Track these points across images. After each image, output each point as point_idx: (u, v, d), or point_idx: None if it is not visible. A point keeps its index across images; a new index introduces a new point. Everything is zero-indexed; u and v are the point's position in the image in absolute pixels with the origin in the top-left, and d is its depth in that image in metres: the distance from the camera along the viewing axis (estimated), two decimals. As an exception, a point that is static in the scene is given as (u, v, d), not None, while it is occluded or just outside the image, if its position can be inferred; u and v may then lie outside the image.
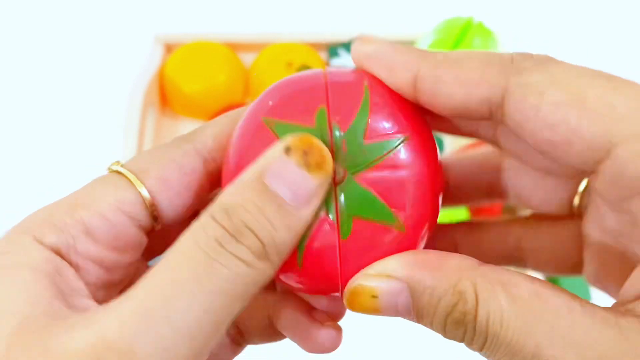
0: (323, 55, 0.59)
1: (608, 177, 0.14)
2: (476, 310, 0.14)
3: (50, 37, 0.64)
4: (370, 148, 0.16)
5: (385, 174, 0.16)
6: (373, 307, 0.16)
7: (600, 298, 0.47)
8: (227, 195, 0.15)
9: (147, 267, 0.19)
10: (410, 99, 0.17)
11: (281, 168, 0.15)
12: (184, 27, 0.61)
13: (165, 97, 0.57)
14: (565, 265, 0.21)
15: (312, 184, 0.15)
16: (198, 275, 0.14)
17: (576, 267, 0.20)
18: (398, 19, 0.66)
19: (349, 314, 0.21)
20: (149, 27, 0.61)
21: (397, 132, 0.17)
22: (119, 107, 0.53)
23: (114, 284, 0.17)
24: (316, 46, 0.58)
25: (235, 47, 0.59)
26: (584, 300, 0.14)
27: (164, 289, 0.14)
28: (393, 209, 0.16)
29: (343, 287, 0.17)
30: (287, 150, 0.15)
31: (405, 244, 0.17)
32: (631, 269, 0.15)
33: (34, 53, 0.63)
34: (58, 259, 0.16)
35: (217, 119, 0.19)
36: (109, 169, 0.18)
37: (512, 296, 0.14)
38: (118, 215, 0.17)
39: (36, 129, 0.58)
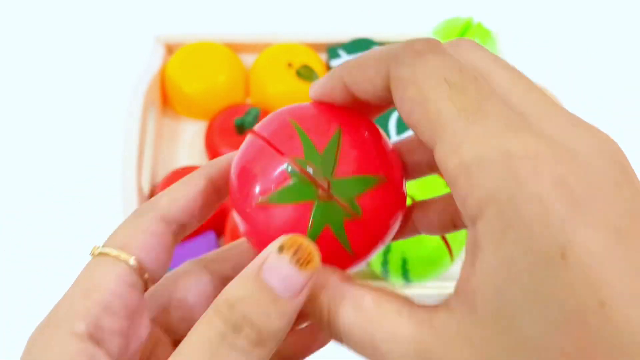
0: (323, 56, 0.59)
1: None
2: (329, 309, 0.18)
3: (51, 38, 0.64)
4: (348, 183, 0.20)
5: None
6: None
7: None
8: (232, 289, 0.18)
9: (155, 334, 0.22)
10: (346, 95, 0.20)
11: (276, 264, 0.18)
12: (185, 28, 0.61)
13: (166, 97, 0.57)
14: None
15: (302, 278, 0.18)
16: None
17: None
18: (398, 20, 0.66)
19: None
20: (150, 28, 0.61)
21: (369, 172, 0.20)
22: (120, 107, 0.53)
23: (134, 352, 0.21)
24: (316, 47, 0.58)
25: (235, 48, 0.59)
26: (414, 305, 0.18)
27: None
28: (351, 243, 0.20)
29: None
30: (281, 249, 0.18)
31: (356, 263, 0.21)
32: None
33: (36, 54, 0.63)
34: (90, 346, 0.18)
35: (173, 186, 0.22)
36: (92, 253, 0.21)
37: (358, 306, 0.18)
38: (123, 287, 0.20)
39: (38, 129, 0.58)
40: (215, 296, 0.20)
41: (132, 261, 0.20)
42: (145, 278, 0.21)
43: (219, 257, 0.24)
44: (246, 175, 0.20)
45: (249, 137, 0.21)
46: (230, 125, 0.52)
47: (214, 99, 0.55)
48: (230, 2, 0.67)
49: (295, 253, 0.18)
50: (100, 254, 0.21)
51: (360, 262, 0.21)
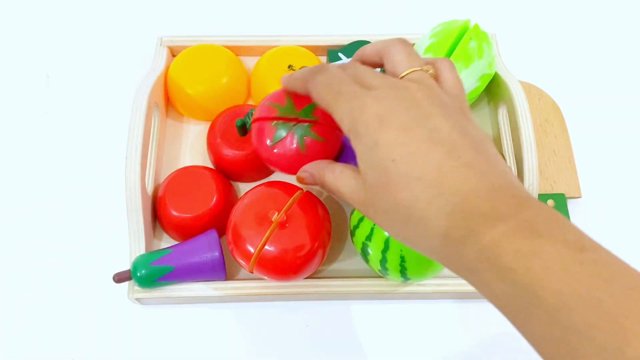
0: (323, 58, 0.60)
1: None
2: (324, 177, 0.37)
3: (56, 39, 0.65)
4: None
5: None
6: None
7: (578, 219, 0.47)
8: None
9: None
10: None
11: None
12: (188, 30, 0.62)
13: (169, 99, 0.58)
14: None
15: None
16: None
17: None
18: (396, 22, 0.66)
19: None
20: (153, 30, 0.62)
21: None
22: (123, 108, 0.54)
23: None
24: (317, 49, 0.59)
25: (237, 51, 0.60)
26: (356, 170, 0.34)
27: None
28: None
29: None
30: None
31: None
32: None
33: (42, 56, 0.64)
34: None
35: None
36: None
37: (332, 172, 0.36)
38: None
39: (42, 129, 0.59)
40: None
41: None
42: None
43: None
44: (259, 136, 0.45)
45: (255, 124, 0.45)
46: (231, 126, 0.53)
47: (216, 100, 0.55)
48: (233, 6, 0.68)
49: None
50: None
51: (329, 147, 0.44)
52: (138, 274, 0.46)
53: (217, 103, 0.55)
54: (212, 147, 0.53)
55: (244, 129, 0.51)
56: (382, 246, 0.43)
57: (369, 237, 0.43)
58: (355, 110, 0.31)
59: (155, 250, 0.48)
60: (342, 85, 0.33)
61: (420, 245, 0.29)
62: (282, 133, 0.43)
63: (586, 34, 0.67)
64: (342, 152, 0.51)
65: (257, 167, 0.53)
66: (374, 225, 0.43)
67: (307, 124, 0.43)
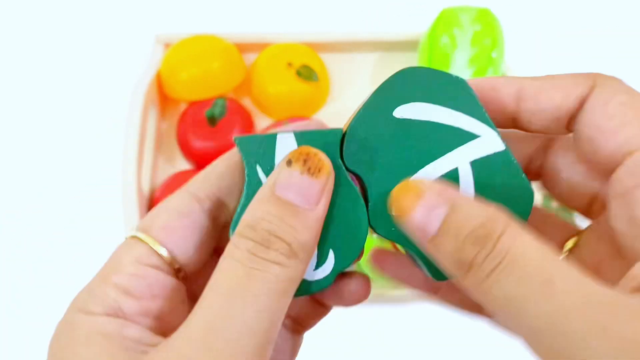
0: (323, 56, 0.59)
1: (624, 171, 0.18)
2: (502, 233, 0.16)
3: (51, 38, 0.64)
4: None
5: None
6: (410, 205, 0.17)
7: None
8: (248, 214, 0.18)
9: None
10: (510, 109, 0.21)
11: (287, 179, 0.18)
12: (185, 28, 0.61)
13: (163, 90, 0.57)
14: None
15: (318, 186, 0.18)
16: (242, 284, 0.17)
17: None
18: (399, 19, 0.66)
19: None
20: (150, 28, 0.61)
21: None
22: (119, 108, 0.53)
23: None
24: (316, 47, 0.58)
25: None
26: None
27: (216, 305, 0.17)
28: None
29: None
30: (289, 162, 0.18)
31: None
32: (627, 264, 0.17)
33: (36, 55, 0.63)
34: (116, 319, 0.18)
35: (209, 166, 0.22)
36: (126, 238, 0.21)
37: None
38: (142, 269, 0.19)
39: (37, 129, 0.58)
40: (198, 210, 0.21)
41: (151, 241, 0.20)
42: (172, 260, 0.20)
43: (190, 180, 0.23)
44: None
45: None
46: (201, 118, 0.52)
47: (208, 82, 0.54)
48: (230, 2, 0.67)
49: (305, 163, 0.18)
50: (130, 237, 0.21)
51: None
52: None
53: (209, 87, 0.54)
54: (182, 139, 0.53)
55: (213, 120, 0.51)
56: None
57: None
58: None
59: None
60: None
61: None
62: None
63: (598, 22, 0.66)
64: None
65: None
66: None
67: None
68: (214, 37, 0.56)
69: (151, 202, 0.51)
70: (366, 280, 0.22)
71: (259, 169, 0.20)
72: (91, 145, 0.57)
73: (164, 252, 0.20)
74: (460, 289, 0.19)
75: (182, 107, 0.57)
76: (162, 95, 0.56)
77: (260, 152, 0.20)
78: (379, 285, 0.48)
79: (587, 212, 0.22)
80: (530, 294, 0.15)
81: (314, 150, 0.18)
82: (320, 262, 0.20)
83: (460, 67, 0.51)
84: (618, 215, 0.19)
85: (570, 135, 0.21)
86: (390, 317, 0.50)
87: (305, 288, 0.20)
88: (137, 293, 0.19)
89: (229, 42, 0.57)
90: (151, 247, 0.20)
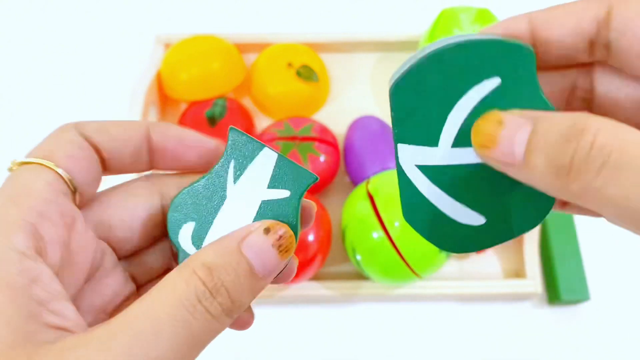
0: (323, 56, 0.59)
1: None
2: (600, 128, 0.14)
3: (52, 38, 0.64)
4: None
5: None
6: (493, 134, 0.17)
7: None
8: (210, 255, 0.18)
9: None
10: (526, 38, 0.19)
11: (259, 243, 0.19)
12: (185, 28, 0.61)
13: (163, 90, 0.57)
14: None
15: (280, 263, 0.19)
16: (174, 325, 0.17)
17: None
18: (399, 19, 0.66)
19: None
20: (150, 28, 0.61)
21: None
22: (120, 107, 0.53)
23: (80, 265, 0.20)
24: (316, 47, 0.58)
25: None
26: None
27: (142, 328, 0.17)
28: None
29: None
30: (267, 230, 0.19)
31: None
32: None
33: (36, 54, 0.63)
34: (31, 264, 0.17)
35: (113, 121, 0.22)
36: (11, 168, 0.20)
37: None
38: (55, 194, 0.19)
39: (37, 129, 0.58)
40: (163, 221, 0.21)
41: (59, 169, 0.20)
42: (74, 188, 0.20)
43: (169, 179, 0.23)
44: None
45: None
46: (201, 118, 0.52)
47: (208, 82, 0.54)
48: (231, 2, 0.67)
49: (279, 239, 0.19)
50: (23, 163, 0.20)
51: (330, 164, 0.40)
52: None
53: (210, 88, 0.54)
54: None
55: (213, 120, 0.51)
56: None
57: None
58: None
59: None
60: None
61: None
62: (287, 151, 0.47)
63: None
64: (346, 159, 0.52)
65: None
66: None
67: (308, 142, 0.47)
68: (214, 37, 0.56)
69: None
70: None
71: (231, 165, 0.21)
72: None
73: (71, 180, 0.20)
74: (571, 206, 0.19)
75: (182, 107, 0.57)
76: (162, 95, 0.56)
77: (243, 152, 0.21)
78: (379, 285, 0.48)
79: None
80: None
81: (289, 231, 0.19)
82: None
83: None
84: None
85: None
86: (391, 317, 0.50)
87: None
88: (52, 217, 0.18)
89: (229, 42, 0.57)
90: (59, 174, 0.20)
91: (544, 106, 0.19)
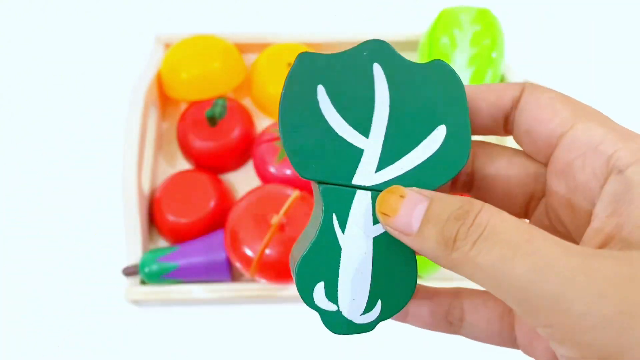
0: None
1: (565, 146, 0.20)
2: (480, 210, 0.18)
3: (51, 38, 0.64)
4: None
5: None
6: (395, 205, 0.20)
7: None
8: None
9: None
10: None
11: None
12: (185, 28, 0.61)
13: (163, 90, 0.57)
14: None
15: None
16: None
17: None
18: (399, 19, 0.66)
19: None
20: (150, 28, 0.61)
21: None
22: (120, 108, 0.53)
23: None
24: (316, 47, 0.58)
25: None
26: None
27: None
28: None
29: None
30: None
31: None
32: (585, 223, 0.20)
33: (37, 54, 0.63)
34: None
35: None
36: None
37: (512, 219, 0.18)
38: None
39: (38, 129, 0.58)
40: None
41: None
42: None
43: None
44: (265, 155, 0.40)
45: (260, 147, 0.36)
46: (201, 118, 0.52)
47: (209, 81, 0.54)
48: (231, 2, 0.67)
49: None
50: None
51: None
52: (146, 269, 0.46)
53: (210, 87, 0.54)
54: (182, 139, 0.53)
55: (214, 120, 0.51)
56: None
57: None
58: None
59: (164, 247, 0.48)
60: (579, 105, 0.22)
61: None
62: None
63: (598, 24, 0.66)
64: None
65: (229, 157, 0.53)
66: None
67: None
68: (214, 37, 0.56)
69: (151, 202, 0.51)
70: None
71: (334, 219, 0.21)
72: (91, 145, 0.57)
73: None
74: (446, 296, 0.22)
75: (182, 107, 0.57)
76: (162, 95, 0.56)
77: (339, 202, 0.21)
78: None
79: (524, 214, 0.23)
80: (515, 254, 0.16)
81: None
82: (367, 309, 0.21)
83: (460, 67, 0.51)
84: (561, 193, 0.21)
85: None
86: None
87: (349, 328, 0.21)
88: None
89: (229, 42, 0.57)
90: None
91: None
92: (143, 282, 0.48)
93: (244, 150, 0.53)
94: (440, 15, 0.54)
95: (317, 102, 0.20)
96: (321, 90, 0.21)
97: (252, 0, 0.67)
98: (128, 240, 0.47)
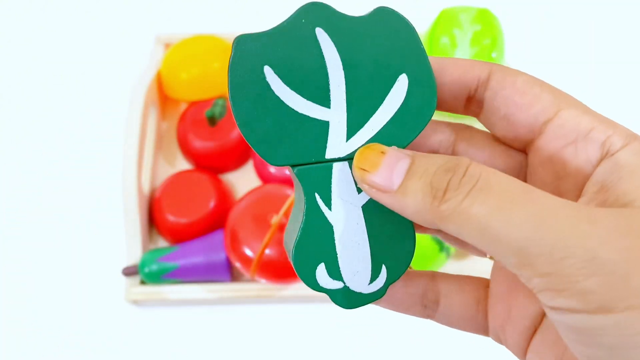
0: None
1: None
2: (470, 164, 0.17)
3: (51, 38, 0.64)
4: None
5: None
6: (376, 161, 0.19)
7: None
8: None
9: None
10: None
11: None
12: (185, 28, 0.61)
13: (163, 90, 0.57)
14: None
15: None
16: None
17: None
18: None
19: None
20: (150, 28, 0.61)
21: None
22: (120, 108, 0.53)
23: None
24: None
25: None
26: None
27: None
28: None
29: None
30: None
31: None
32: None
33: (36, 54, 0.63)
34: None
35: None
36: None
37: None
38: None
39: (37, 129, 0.58)
40: None
41: None
42: None
43: None
44: None
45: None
46: (201, 118, 0.52)
47: (208, 82, 0.54)
48: (231, 2, 0.67)
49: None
50: None
51: None
52: (146, 270, 0.46)
53: (210, 85, 0.54)
54: (182, 139, 0.53)
55: (213, 120, 0.51)
56: None
57: None
58: None
59: (164, 247, 0.48)
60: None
61: None
62: None
63: (599, 22, 0.66)
64: None
65: (229, 157, 0.53)
66: None
67: None
68: (214, 37, 0.56)
69: (151, 202, 0.51)
70: None
71: (318, 199, 0.20)
72: (91, 145, 0.57)
73: None
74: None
75: (182, 107, 0.57)
76: (162, 95, 0.56)
77: (319, 182, 0.20)
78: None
79: None
80: (513, 203, 0.16)
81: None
82: (373, 277, 0.21)
83: (460, 67, 0.52)
84: (547, 181, 0.20)
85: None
86: (391, 316, 0.50)
87: (360, 300, 0.21)
88: None
89: (229, 42, 0.57)
90: None
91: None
92: (143, 282, 0.48)
93: (244, 150, 0.53)
94: (440, 15, 0.54)
95: (267, 85, 0.19)
96: (269, 71, 0.19)
97: (252, 0, 0.67)
98: (128, 240, 0.47)
